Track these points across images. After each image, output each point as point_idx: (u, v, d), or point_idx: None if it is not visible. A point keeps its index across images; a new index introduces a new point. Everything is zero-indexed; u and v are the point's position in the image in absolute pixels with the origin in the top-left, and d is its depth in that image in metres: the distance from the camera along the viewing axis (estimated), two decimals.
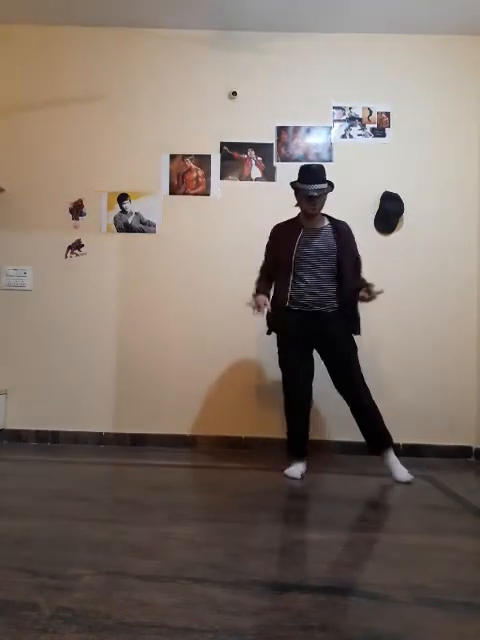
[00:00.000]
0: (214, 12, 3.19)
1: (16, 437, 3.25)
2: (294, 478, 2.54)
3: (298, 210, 2.65)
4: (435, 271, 3.28)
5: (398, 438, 3.19)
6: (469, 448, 3.19)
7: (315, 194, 2.50)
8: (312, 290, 2.57)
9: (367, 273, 3.30)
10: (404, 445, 3.19)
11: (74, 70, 3.39)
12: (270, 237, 2.73)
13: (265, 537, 1.80)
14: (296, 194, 2.60)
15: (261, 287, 2.70)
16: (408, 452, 3.16)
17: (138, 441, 3.23)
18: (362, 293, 2.54)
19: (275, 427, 3.03)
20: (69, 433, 3.25)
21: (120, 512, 2.01)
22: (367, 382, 3.44)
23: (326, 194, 2.56)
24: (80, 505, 2.08)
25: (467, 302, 3.27)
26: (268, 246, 2.74)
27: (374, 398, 2.98)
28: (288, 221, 2.69)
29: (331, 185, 2.56)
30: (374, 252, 3.30)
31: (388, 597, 1.37)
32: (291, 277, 2.56)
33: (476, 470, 2.95)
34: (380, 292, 2.53)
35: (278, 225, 2.72)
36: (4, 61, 3.40)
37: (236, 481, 2.54)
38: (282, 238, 2.64)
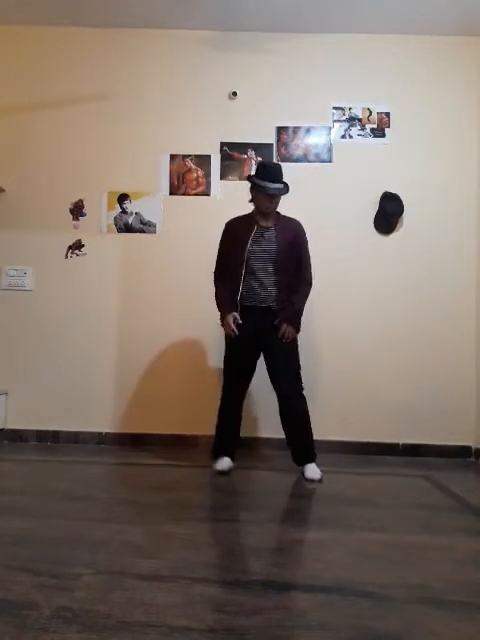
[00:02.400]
0: (214, 13, 3.19)
1: (17, 437, 3.25)
2: (223, 471, 2.60)
3: (250, 206, 2.67)
4: (434, 271, 3.29)
5: (398, 438, 3.21)
6: (468, 448, 3.20)
7: (275, 193, 2.54)
8: (263, 286, 2.56)
9: (367, 273, 3.32)
10: (403, 445, 3.19)
11: (74, 71, 3.39)
12: (224, 232, 2.70)
13: (264, 537, 1.81)
14: (252, 190, 2.61)
15: (225, 300, 2.61)
16: (408, 452, 3.17)
17: (138, 441, 3.23)
18: (284, 327, 2.55)
19: (275, 427, 3.01)
20: (69, 433, 3.26)
21: (120, 512, 2.02)
22: (367, 382, 3.45)
23: (281, 195, 2.59)
24: (80, 505, 2.08)
25: (466, 301, 3.27)
26: (222, 242, 2.70)
27: (374, 398, 2.98)
28: (242, 217, 2.69)
29: (287, 187, 2.58)
30: (374, 252, 3.31)
31: (387, 596, 1.38)
32: (243, 273, 2.55)
33: (476, 470, 2.96)
34: (290, 335, 2.56)
35: (232, 221, 2.70)
36: (6, 61, 3.40)
37: (235, 481, 2.54)
38: (236, 234, 2.63)
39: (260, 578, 1.47)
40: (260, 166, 2.64)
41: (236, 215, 3.43)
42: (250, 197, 2.66)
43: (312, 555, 1.68)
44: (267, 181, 2.53)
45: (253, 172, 3.23)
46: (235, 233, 2.64)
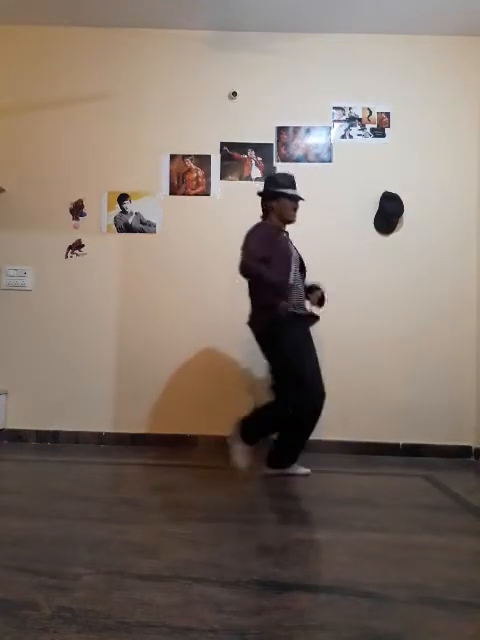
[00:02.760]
0: (214, 13, 3.19)
1: (16, 437, 3.25)
2: (307, 474, 2.53)
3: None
4: (434, 271, 3.29)
5: (398, 438, 3.21)
6: (469, 448, 3.20)
7: (302, 200, 2.58)
8: (304, 293, 2.59)
9: (367, 273, 3.32)
10: (404, 445, 3.19)
11: (74, 71, 3.39)
12: (266, 231, 2.52)
13: (265, 537, 1.81)
14: (278, 199, 2.54)
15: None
16: (408, 452, 3.17)
17: (138, 441, 3.23)
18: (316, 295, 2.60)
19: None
20: (69, 433, 3.25)
21: (120, 512, 2.02)
22: (367, 382, 3.46)
23: None
24: (80, 505, 2.08)
25: (466, 301, 3.27)
26: (264, 240, 2.48)
27: (374, 398, 2.98)
28: (270, 224, 2.58)
29: None
30: (374, 252, 3.31)
31: (387, 596, 1.37)
32: (291, 281, 2.49)
33: (476, 470, 2.96)
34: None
35: (270, 225, 2.57)
36: (6, 61, 3.40)
37: (236, 481, 2.53)
38: (278, 240, 2.52)
39: (260, 578, 1.46)
40: (282, 177, 2.60)
41: (236, 215, 3.43)
42: (263, 211, 2.61)
43: (312, 555, 1.68)
44: (292, 190, 2.54)
45: (255, 175, 3.27)
46: (278, 240, 2.51)
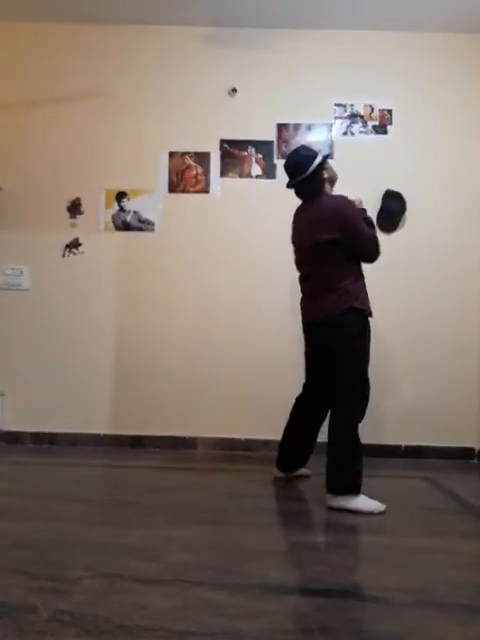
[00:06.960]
0: (214, 9, 3.17)
1: (13, 439, 3.22)
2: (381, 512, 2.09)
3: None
4: (437, 270, 3.26)
5: (400, 439, 3.20)
6: (471, 450, 3.18)
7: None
8: None
9: (369, 271, 3.29)
10: (406, 446, 3.18)
11: (72, 68, 3.36)
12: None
13: (265, 540, 1.79)
14: (325, 166, 2.28)
15: None
16: (410, 453, 3.15)
17: (136, 443, 3.21)
18: None
19: (274, 429, 2.99)
20: (67, 435, 3.23)
21: (119, 514, 2.01)
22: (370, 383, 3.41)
23: None
24: (78, 507, 2.07)
25: (469, 301, 3.25)
26: None
27: (375, 399, 2.93)
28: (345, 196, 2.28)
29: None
30: None
31: (389, 599, 1.37)
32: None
33: (478, 472, 2.95)
34: None
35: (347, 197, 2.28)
36: (3, 59, 3.38)
37: (235, 483, 2.52)
38: None
39: (260, 581, 1.45)
40: (303, 151, 2.33)
41: (236, 213, 3.42)
42: (317, 189, 2.28)
43: (313, 558, 1.67)
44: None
45: (255, 173, 3.25)
46: None
